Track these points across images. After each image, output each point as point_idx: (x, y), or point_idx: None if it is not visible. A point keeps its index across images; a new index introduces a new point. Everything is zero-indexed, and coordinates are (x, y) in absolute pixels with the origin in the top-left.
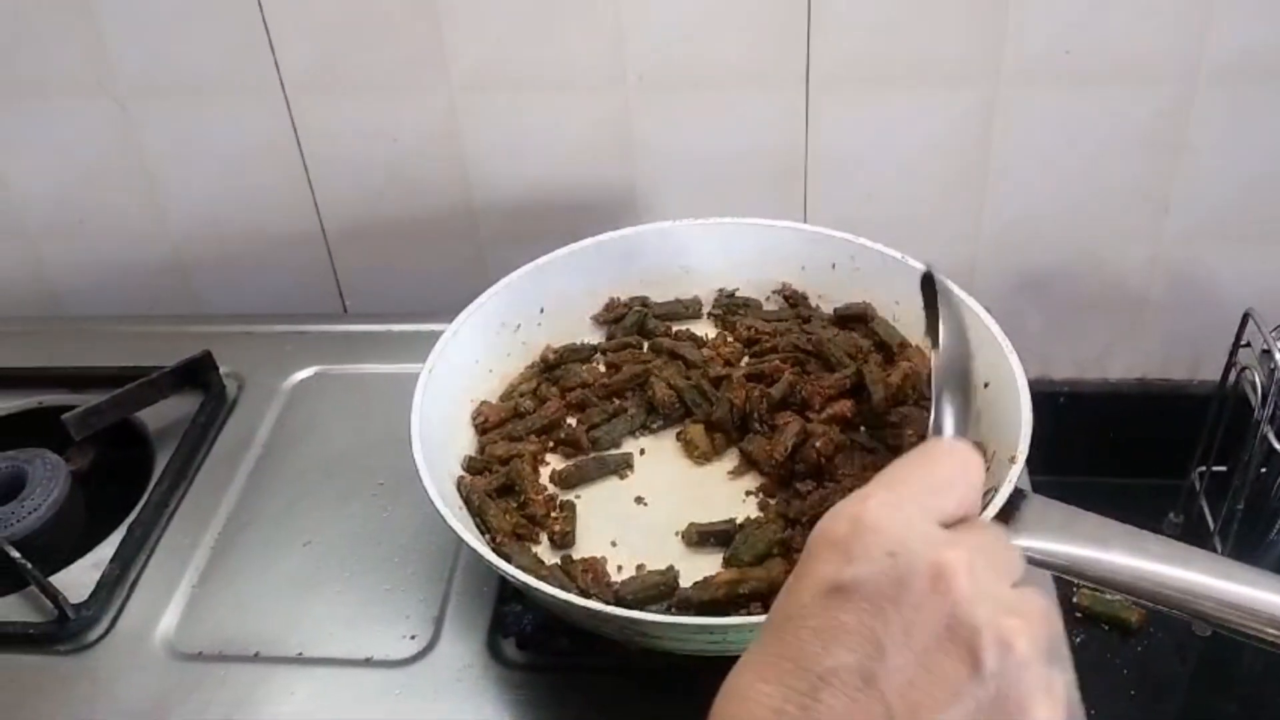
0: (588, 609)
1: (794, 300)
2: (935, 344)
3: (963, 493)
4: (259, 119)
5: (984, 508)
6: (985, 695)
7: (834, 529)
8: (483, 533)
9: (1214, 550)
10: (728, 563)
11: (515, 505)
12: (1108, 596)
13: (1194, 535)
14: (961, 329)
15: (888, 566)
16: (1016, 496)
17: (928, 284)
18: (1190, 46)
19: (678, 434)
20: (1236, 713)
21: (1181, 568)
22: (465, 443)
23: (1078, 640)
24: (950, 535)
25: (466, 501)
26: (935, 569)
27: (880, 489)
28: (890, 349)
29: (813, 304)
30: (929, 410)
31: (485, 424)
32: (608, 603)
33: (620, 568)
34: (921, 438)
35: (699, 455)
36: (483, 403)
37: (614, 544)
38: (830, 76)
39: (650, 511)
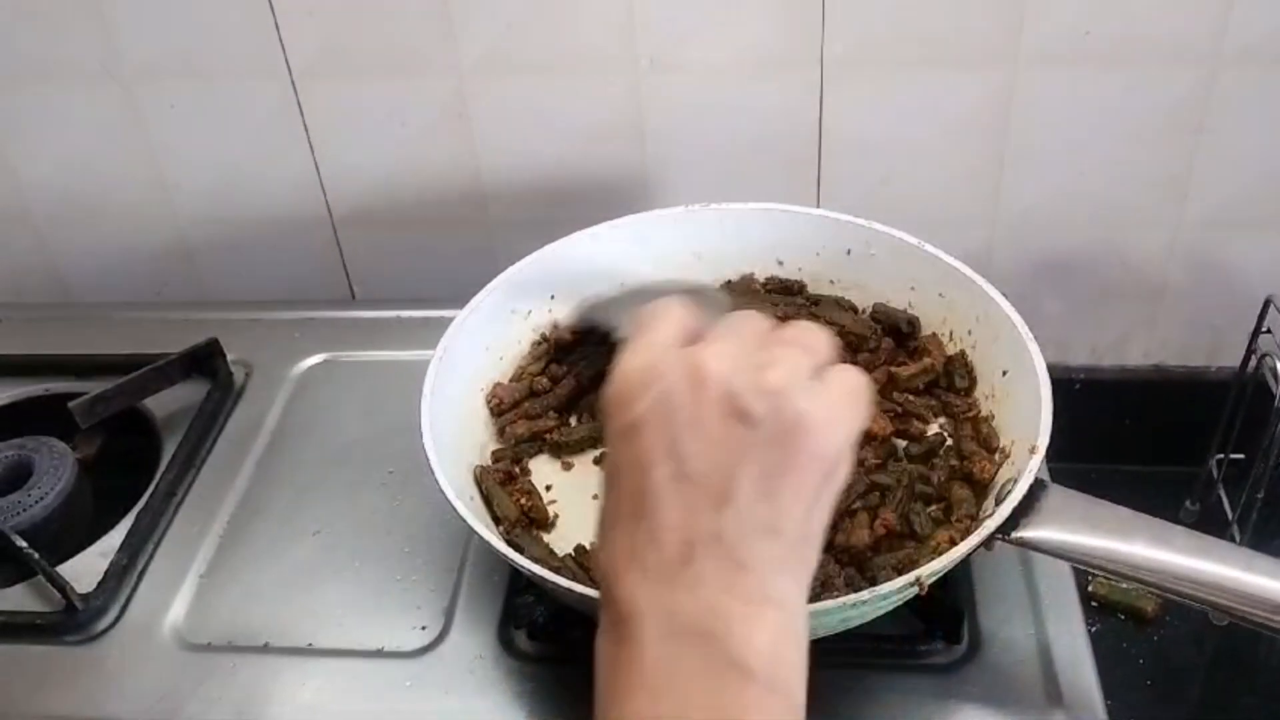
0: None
1: (790, 288)
2: None
3: (677, 316)
4: (266, 103)
5: (1004, 498)
6: (767, 436)
7: (608, 393)
8: (496, 522)
9: (1232, 539)
10: None
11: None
12: (1124, 585)
13: (1211, 523)
14: None
15: (656, 391)
16: (1037, 487)
17: None
18: (1211, 29)
19: None
20: (1255, 703)
21: (1205, 560)
22: (477, 430)
23: (1094, 630)
24: (694, 347)
25: (479, 489)
26: (689, 370)
27: (634, 344)
28: (899, 329)
29: (827, 289)
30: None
31: (500, 405)
32: None
33: None
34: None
35: None
36: (495, 384)
37: None
38: (845, 59)
39: None
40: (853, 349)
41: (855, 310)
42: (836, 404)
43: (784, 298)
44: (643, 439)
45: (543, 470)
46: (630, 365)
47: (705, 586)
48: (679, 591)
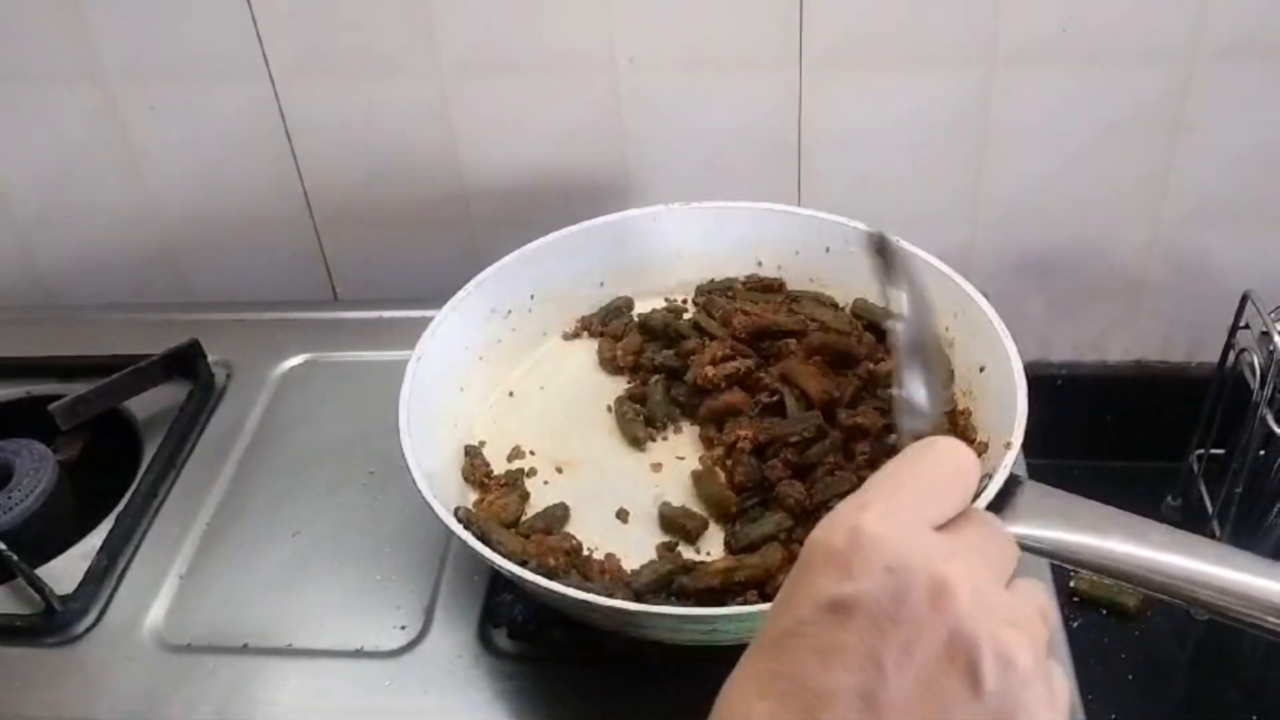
0: (577, 599)
1: (770, 286)
2: (897, 313)
3: (960, 493)
4: (245, 104)
5: (979, 494)
6: (985, 712)
7: (832, 540)
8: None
9: (1212, 533)
10: (728, 548)
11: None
12: (1106, 581)
13: (1192, 518)
14: (920, 292)
15: (887, 583)
16: (1012, 483)
17: (879, 248)
18: (1189, 25)
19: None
20: (1237, 698)
21: (1182, 555)
22: (455, 431)
23: (1075, 625)
24: (949, 545)
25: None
26: (935, 585)
27: (877, 496)
28: (878, 326)
29: (806, 287)
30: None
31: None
32: (598, 593)
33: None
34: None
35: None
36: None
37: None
38: (824, 57)
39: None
40: (836, 351)
41: (836, 307)
42: (1060, 713)
43: (763, 295)
44: (845, 627)
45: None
46: (870, 525)
47: None
48: None
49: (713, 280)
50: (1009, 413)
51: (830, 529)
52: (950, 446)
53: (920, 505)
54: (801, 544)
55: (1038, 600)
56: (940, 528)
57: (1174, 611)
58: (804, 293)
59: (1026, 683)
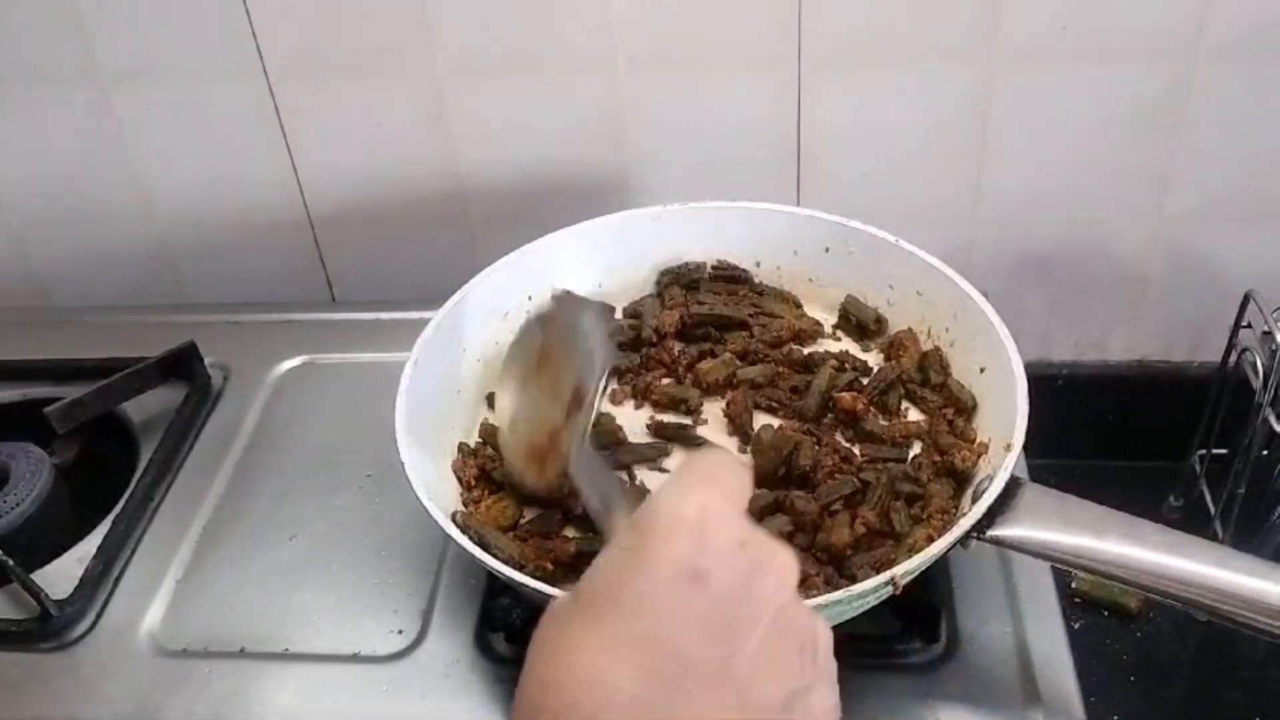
0: None
1: (736, 277)
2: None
3: (749, 489)
4: (242, 105)
5: (979, 496)
6: (806, 686)
7: (685, 511)
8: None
9: (1214, 534)
10: None
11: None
12: (1107, 582)
13: (1194, 519)
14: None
15: (741, 559)
16: (1013, 485)
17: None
18: (1191, 23)
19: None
20: (1238, 699)
21: (1181, 557)
22: (452, 434)
23: (1077, 626)
24: (766, 531)
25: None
26: (779, 564)
27: (708, 482)
28: (866, 326)
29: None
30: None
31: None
32: None
33: None
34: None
35: None
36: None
37: None
38: (823, 56)
39: None
40: (775, 345)
41: (799, 305)
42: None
43: (726, 286)
44: (703, 596)
45: None
46: (717, 504)
47: None
48: None
49: (682, 265)
50: (1009, 414)
51: (679, 501)
52: (725, 453)
53: (739, 496)
54: (800, 547)
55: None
56: None
57: (1175, 612)
58: (769, 288)
59: (830, 659)
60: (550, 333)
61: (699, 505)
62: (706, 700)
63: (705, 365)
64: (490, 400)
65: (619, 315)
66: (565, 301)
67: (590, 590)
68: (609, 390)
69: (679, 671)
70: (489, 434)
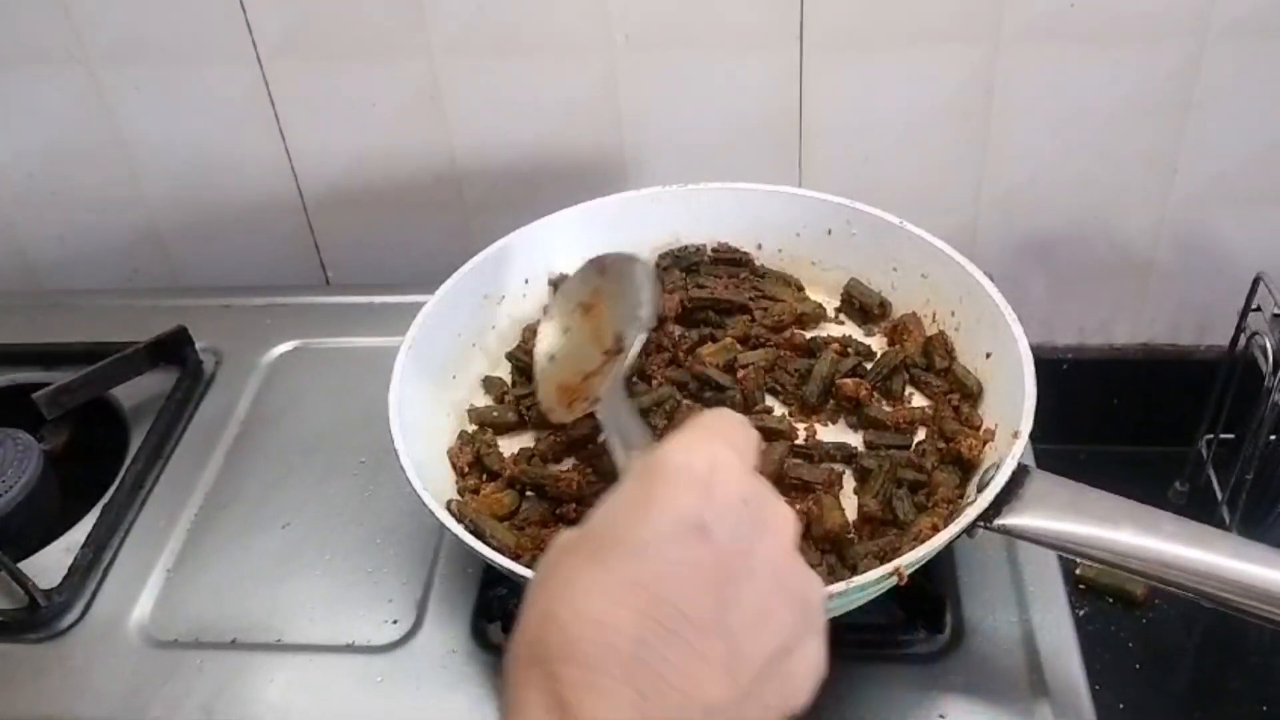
0: None
1: (737, 260)
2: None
3: (756, 457)
4: (233, 86)
5: (986, 484)
6: (795, 639)
7: (693, 463)
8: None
9: (1221, 520)
10: None
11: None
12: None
13: (1201, 504)
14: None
15: (743, 512)
16: (1020, 473)
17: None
18: (1198, 3)
19: None
20: (1244, 686)
21: (1194, 547)
22: (447, 420)
23: (1082, 613)
24: (774, 490)
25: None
26: (779, 522)
27: (718, 437)
28: (869, 310)
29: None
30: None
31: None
32: None
33: None
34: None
35: None
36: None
37: None
38: (826, 36)
39: None
40: (777, 330)
41: (800, 288)
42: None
43: (727, 269)
44: (705, 547)
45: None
46: (725, 457)
47: None
48: None
49: (682, 248)
50: (1016, 400)
51: (689, 452)
52: (733, 414)
53: (747, 452)
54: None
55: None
56: None
57: (1181, 600)
58: (771, 270)
59: (821, 614)
60: (604, 281)
61: (708, 458)
62: (700, 648)
63: (706, 349)
64: (486, 385)
65: None
66: (624, 258)
67: (597, 531)
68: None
69: (677, 619)
70: (480, 418)
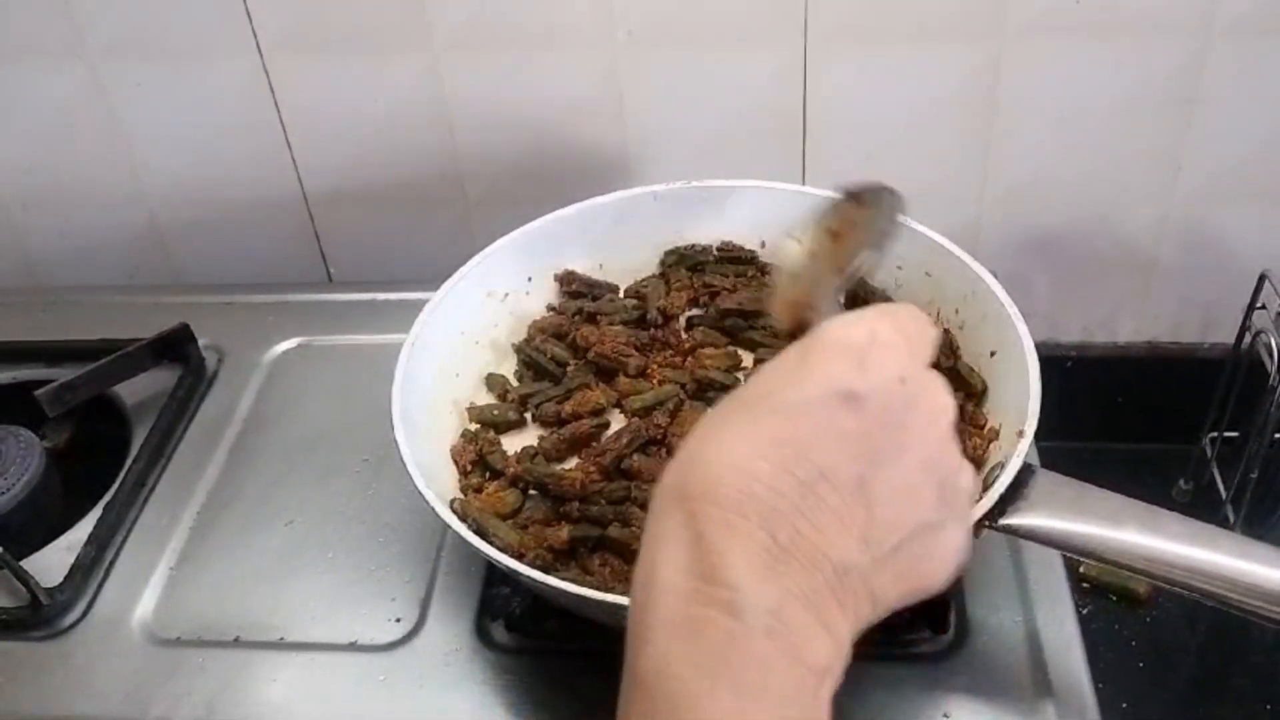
0: (576, 594)
1: (741, 258)
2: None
3: (932, 350)
4: (235, 81)
5: (990, 483)
6: (938, 521)
7: (852, 335)
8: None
9: (1226, 519)
10: None
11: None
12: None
13: (1205, 503)
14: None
15: (898, 389)
16: (1025, 472)
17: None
18: None
19: None
20: (1248, 685)
21: (1199, 548)
22: (450, 418)
23: (1085, 611)
24: (940, 378)
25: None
26: (936, 406)
27: (887, 318)
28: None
29: None
30: None
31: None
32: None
33: None
34: None
35: None
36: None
37: None
38: (829, 30)
39: None
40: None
41: None
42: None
43: (733, 267)
44: (853, 417)
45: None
46: (887, 333)
47: (824, 604)
48: (796, 589)
49: (688, 246)
50: (1021, 398)
51: (849, 325)
52: (915, 309)
53: (916, 338)
54: None
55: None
56: None
57: (1184, 598)
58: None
59: (968, 501)
60: (855, 210)
61: (868, 331)
62: (836, 507)
63: (708, 353)
64: (489, 382)
65: (621, 296)
66: (876, 189)
67: (749, 390)
68: None
69: (814, 477)
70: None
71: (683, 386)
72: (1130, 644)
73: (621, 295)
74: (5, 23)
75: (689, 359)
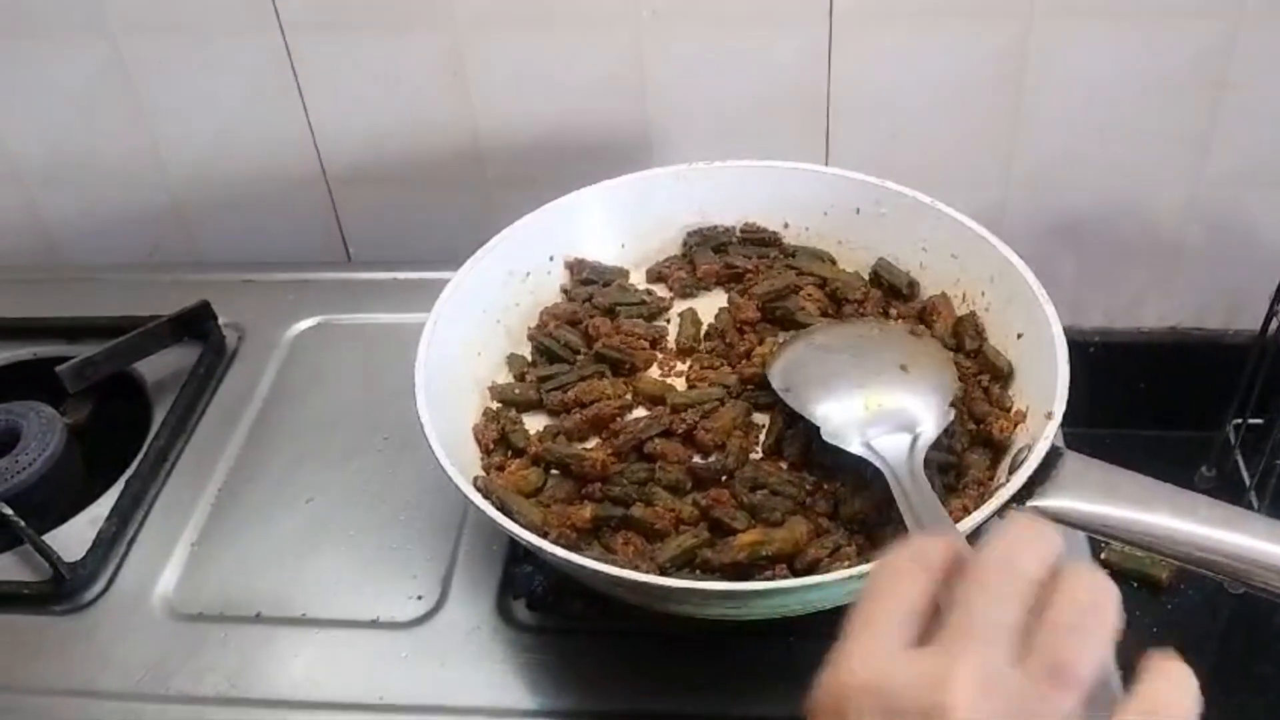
0: (600, 572)
1: (765, 240)
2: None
3: (926, 595)
4: (256, 59)
5: (1018, 465)
6: None
7: (823, 701)
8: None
9: (1249, 505)
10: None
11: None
12: (1138, 553)
13: (1228, 490)
14: None
15: None
16: (1053, 454)
17: None
18: None
19: None
20: (1269, 671)
21: (1232, 531)
22: (472, 397)
23: None
24: (935, 662)
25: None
26: (926, 710)
27: (854, 637)
28: (899, 290)
29: (835, 250)
30: None
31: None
32: (622, 566)
33: None
34: None
35: None
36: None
37: None
38: (854, 9)
39: None
40: (835, 301)
41: (834, 261)
42: None
43: (757, 249)
44: None
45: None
46: (855, 674)
47: None
48: None
49: (711, 227)
50: (1048, 380)
51: (820, 690)
52: (906, 555)
53: (894, 634)
54: (822, 515)
55: (1075, 623)
56: (928, 626)
57: (1205, 584)
58: (801, 247)
59: None
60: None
61: (837, 687)
62: None
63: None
64: (510, 362)
65: (641, 277)
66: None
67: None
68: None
69: None
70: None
71: (727, 389)
72: (1151, 630)
73: (644, 277)
74: (28, 0)
75: (743, 361)
